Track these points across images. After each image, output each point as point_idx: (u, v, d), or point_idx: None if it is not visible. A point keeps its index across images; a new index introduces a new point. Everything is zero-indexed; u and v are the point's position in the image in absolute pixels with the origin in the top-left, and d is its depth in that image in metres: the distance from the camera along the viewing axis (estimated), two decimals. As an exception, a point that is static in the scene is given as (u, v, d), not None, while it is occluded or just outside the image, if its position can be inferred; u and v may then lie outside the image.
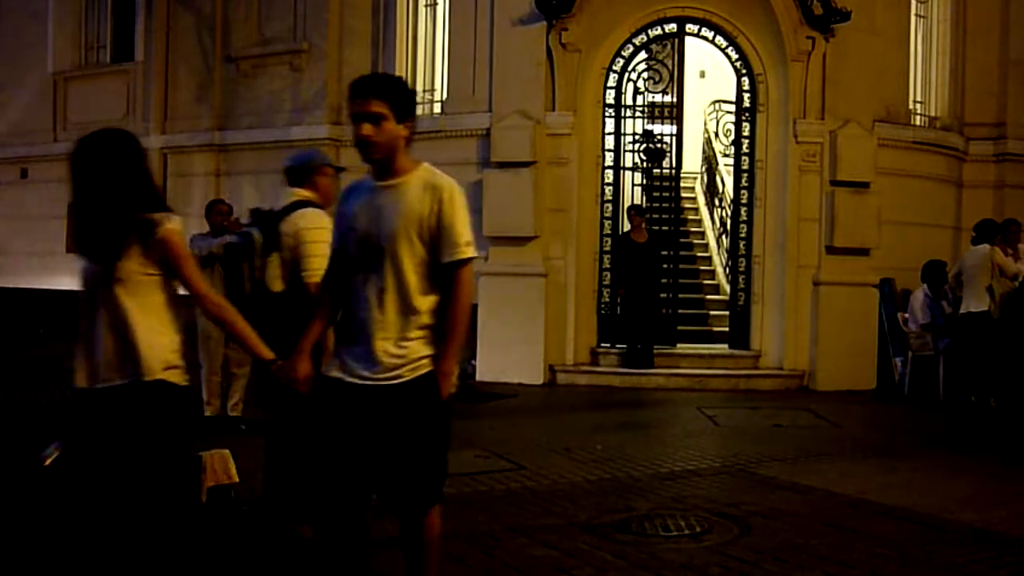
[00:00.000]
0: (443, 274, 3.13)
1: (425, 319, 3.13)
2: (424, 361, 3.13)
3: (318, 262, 4.01)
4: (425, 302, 3.12)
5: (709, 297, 12.32)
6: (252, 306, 4.03)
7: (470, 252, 3.14)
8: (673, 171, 11.32)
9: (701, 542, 4.58)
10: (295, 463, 4.27)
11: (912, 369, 10.06)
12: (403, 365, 3.11)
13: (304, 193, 4.46)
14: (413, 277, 3.10)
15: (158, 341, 3.15)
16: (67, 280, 13.78)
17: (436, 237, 3.11)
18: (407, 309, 3.11)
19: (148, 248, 3.12)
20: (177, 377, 3.19)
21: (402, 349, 3.11)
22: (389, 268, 3.10)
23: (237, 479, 4.89)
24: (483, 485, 5.73)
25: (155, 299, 3.18)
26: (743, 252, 10.98)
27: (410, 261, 3.10)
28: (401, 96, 3.16)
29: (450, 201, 3.11)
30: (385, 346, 3.10)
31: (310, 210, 4.37)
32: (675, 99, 11.40)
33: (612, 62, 10.96)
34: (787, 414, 8.72)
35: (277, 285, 4.31)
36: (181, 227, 3.21)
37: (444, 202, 3.10)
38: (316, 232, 4.23)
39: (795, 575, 4.15)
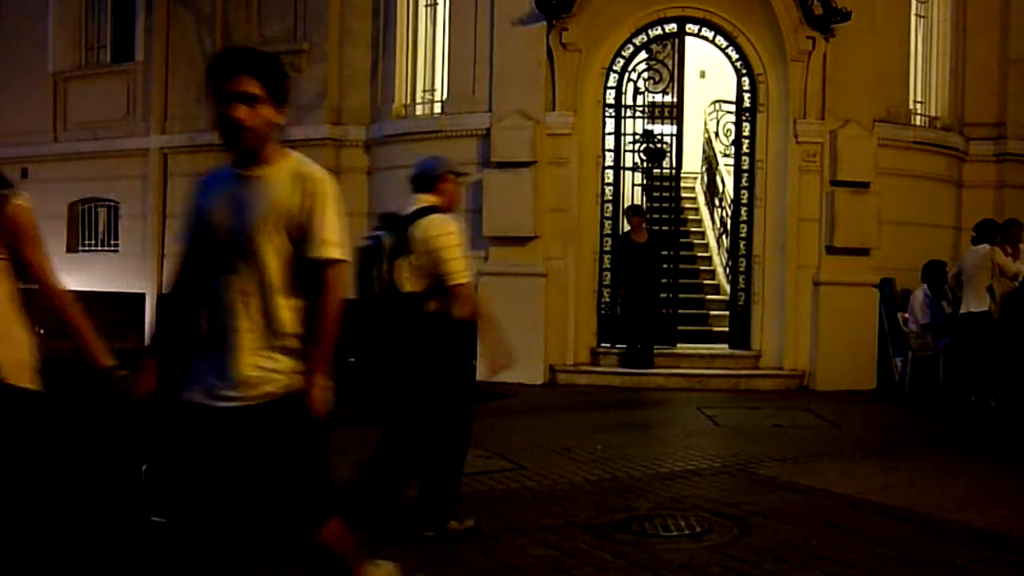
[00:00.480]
0: (312, 276, 2.80)
1: (293, 327, 2.80)
2: (290, 376, 2.80)
3: (456, 264, 4.47)
4: (292, 308, 2.80)
5: (709, 297, 12.32)
6: (383, 306, 4.54)
7: (338, 252, 2.80)
8: (673, 171, 11.32)
9: (701, 542, 4.58)
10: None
11: (912, 369, 10.06)
12: (269, 381, 2.78)
13: (430, 199, 4.67)
14: (278, 279, 2.77)
15: (10, 335, 2.81)
16: (66, 279, 13.78)
17: (304, 234, 2.77)
18: (271, 316, 2.78)
19: None
20: (33, 380, 2.84)
21: (268, 362, 2.78)
22: (251, 269, 2.77)
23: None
24: (483, 485, 5.73)
25: (1, 288, 2.83)
26: (743, 252, 10.98)
27: (275, 261, 2.77)
28: (278, 77, 2.81)
29: (321, 195, 2.79)
30: (248, 358, 2.76)
31: (438, 215, 4.58)
32: (675, 99, 11.41)
33: (612, 62, 10.97)
34: (787, 414, 8.72)
35: (406, 286, 4.54)
36: (30, 204, 2.87)
37: (313, 195, 2.78)
38: (447, 237, 4.49)
39: (795, 575, 4.15)
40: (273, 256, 2.76)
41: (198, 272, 2.89)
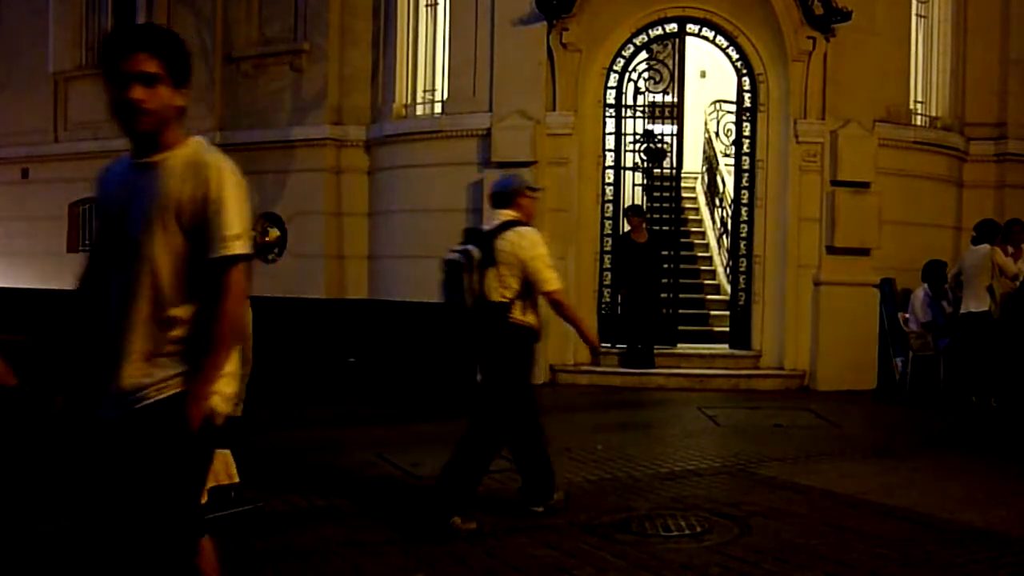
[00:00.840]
0: (209, 274, 2.52)
1: (184, 331, 2.53)
2: (174, 380, 2.51)
3: (549, 272, 4.87)
4: (185, 310, 2.53)
5: (710, 297, 12.32)
6: (474, 315, 4.84)
7: (240, 247, 2.50)
8: (674, 171, 11.32)
9: (701, 542, 4.58)
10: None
11: (912, 369, 10.06)
12: (148, 386, 2.51)
13: (510, 214, 5.02)
14: (169, 278, 2.51)
15: None
16: (67, 280, 13.79)
17: (199, 228, 2.49)
18: (161, 319, 2.51)
19: None
20: None
21: (155, 370, 2.51)
22: (141, 266, 2.50)
23: (237, 479, 4.90)
24: (483, 485, 5.72)
25: None
26: (743, 252, 10.98)
27: (166, 258, 2.50)
28: (178, 55, 2.55)
29: (218, 183, 2.50)
30: (131, 367, 2.51)
31: (523, 228, 4.95)
32: (676, 99, 11.41)
33: (613, 62, 10.96)
34: (787, 414, 8.72)
35: (495, 296, 4.85)
36: None
37: (210, 183, 2.49)
38: (536, 248, 4.87)
39: (795, 575, 4.15)
40: (164, 253, 2.51)
41: (99, 272, 2.66)
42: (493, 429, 4.93)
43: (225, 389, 2.57)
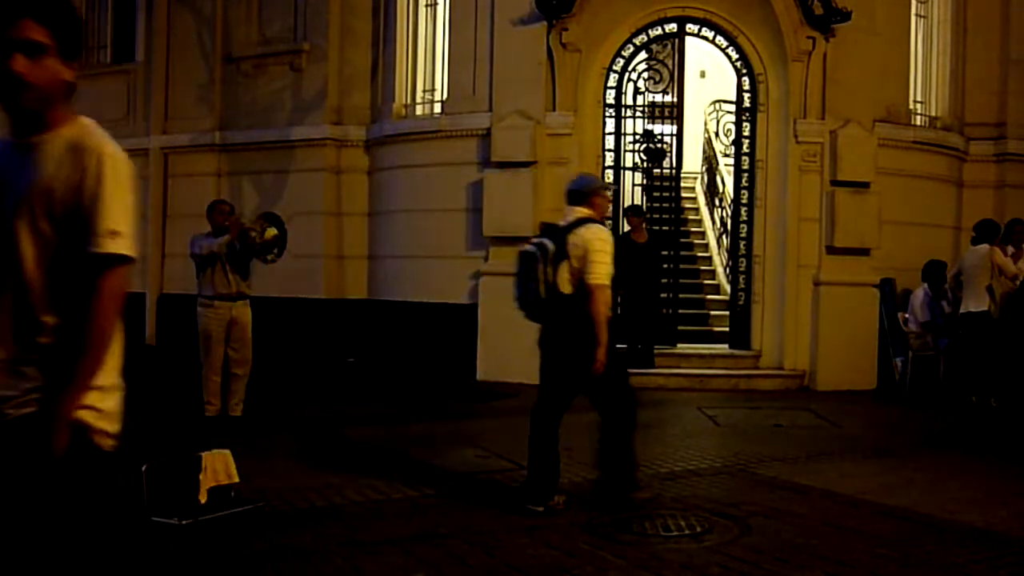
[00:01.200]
0: (83, 275, 2.19)
1: (52, 338, 2.21)
2: (37, 395, 2.19)
3: (601, 268, 5.09)
4: (54, 315, 2.21)
5: (709, 297, 12.33)
6: (546, 305, 5.15)
7: (120, 246, 2.19)
8: (673, 171, 11.32)
9: (701, 542, 4.59)
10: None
11: (912, 369, 10.06)
12: (8, 400, 2.19)
13: (584, 211, 5.28)
14: (38, 276, 2.20)
15: None
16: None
17: (74, 221, 2.18)
18: (27, 322, 2.20)
19: None
20: None
21: (13, 378, 2.20)
22: (8, 262, 2.21)
23: (237, 479, 4.91)
24: (483, 485, 5.73)
25: None
26: (743, 252, 10.98)
27: (35, 252, 2.20)
28: (68, 22, 2.26)
29: (100, 171, 2.19)
30: None
31: (594, 225, 5.22)
32: (675, 99, 11.42)
33: (612, 62, 10.97)
34: (787, 414, 8.72)
35: (566, 288, 5.14)
36: None
37: (92, 171, 2.18)
38: (601, 243, 5.13)
39: (795, 575, 4.15)
40: (34, 247, 2.20)
41: None
42: (617, 407, 5.39)
43: (102, 404, 2.24)
